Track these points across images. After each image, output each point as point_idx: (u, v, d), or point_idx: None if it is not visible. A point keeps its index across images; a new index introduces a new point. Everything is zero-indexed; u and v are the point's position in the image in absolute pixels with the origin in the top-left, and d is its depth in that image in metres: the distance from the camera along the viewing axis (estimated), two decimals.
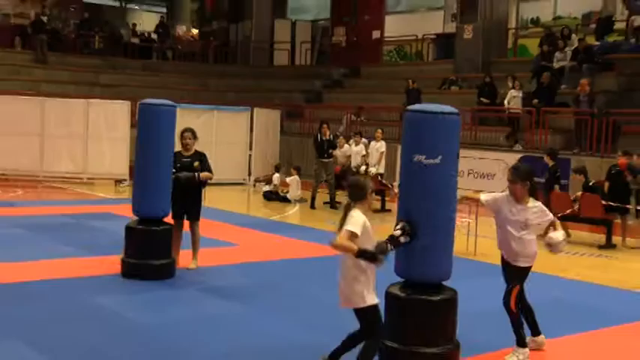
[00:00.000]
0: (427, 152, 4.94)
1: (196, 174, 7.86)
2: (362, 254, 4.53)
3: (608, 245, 10.97)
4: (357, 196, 4.75)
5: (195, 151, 8.06)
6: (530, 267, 5.58)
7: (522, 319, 5.57)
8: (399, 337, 5.03)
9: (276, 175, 15.96)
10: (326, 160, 14.30)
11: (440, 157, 4.94)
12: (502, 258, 5.66)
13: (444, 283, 5.22)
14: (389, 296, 5.13)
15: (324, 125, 14.52)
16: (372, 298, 4.70)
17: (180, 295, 7.04)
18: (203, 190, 8.17)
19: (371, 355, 4.74)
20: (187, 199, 7.92)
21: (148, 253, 7.35)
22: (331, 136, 14.46)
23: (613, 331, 6.54)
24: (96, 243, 9.25)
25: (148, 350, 5.40)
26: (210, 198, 14.40)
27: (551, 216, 5.61)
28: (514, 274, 5.53)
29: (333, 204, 14.18)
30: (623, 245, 11.07)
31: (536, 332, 5.76)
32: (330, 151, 14.32)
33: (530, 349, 5.55)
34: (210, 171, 8.02)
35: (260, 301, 6.97)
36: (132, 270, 7.46)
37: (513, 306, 5.46)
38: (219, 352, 5.43)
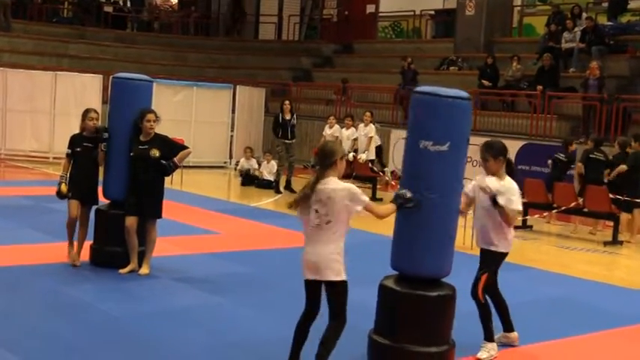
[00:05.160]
0: (435, 138, 4.94)
1: (170, 164, 7.16)
2: (400, 204, 4.89)
3: (614, 241, 11.08)
4: (326, 162, 4.77)
5: (155, 134, 7.23)
6: (504, 254, 5.66)
7: (491, 311, 5.67)
8: (391, 333, 5.07)
9: (242, 160, 15.90)
10: (289, 142, 14.37)
11: (448, 144, 4.95)
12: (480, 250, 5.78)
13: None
14: (383, 289, 5.17)
15: (286, 102, 14.48)
16: (345, 274, 4.77)
17: (155, 285, 7.06)
18: (168, 179, 7.53)
19: (337, 338, 4.76)
20: (146, 190, 7.18)
21: (121, 240, 7.34)
22: (294, 117, 14.40)
23: (615, 333, 6.63)
24: (61, 228, 9.22)
25: (126, 345, 5.43)
26: (189, 182, 14.50)
27: (515, 207, 5.52)
28: (486, 260, 5.65)
29: (287, 185, 14.36)
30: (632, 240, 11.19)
31: (509, 328, 5.85)
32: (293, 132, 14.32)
33: (499, 344, 5.69)
34: (180, 149, 7.35)
35: (240, 292, 7.02)
36: (103, 258, 7.47)
37: (481, 295, 5.58)
38: (197, 346, 5.46)
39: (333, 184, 4.72)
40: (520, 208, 5.64)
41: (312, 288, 4.83)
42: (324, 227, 4.72)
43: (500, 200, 5.43)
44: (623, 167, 11.17)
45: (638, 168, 11.15)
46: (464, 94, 5.08)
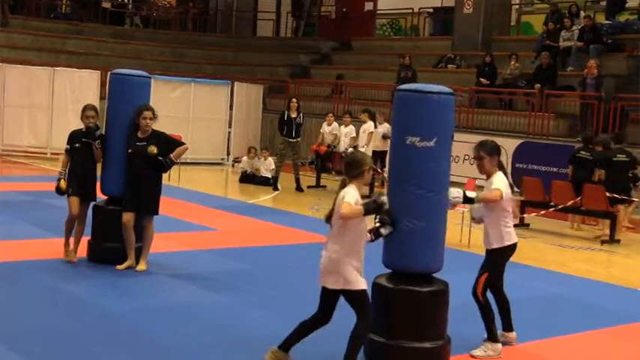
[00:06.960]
0: (422, 134, 5.02)
1: (167, 160, 7.18)
2: (367, 210, 4.68)
3: (612, 240, 11.10)
4: (354, 173, 4.83)
5: (153, 131, 7.24)
6: (500, 250, 5.62)
7: (492, 312, 5.65)
8: (385, 330, 5.09)
9: (244, 159, 15.97)
10: (293, 140, 14.26)
11: (434, 140, 5.02)
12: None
13: (435, 275, 5.28)
14: (376, 287, 5.19)
15: (293, 100, 14.36)
16: (363, 282, 4.81)
17: (153, 281, 7.08)
18: (165, 175, 7.50)
19: (362, 342, 4.82)
20: (144, 186, 7.21)
21: (119, 236, 7.33)
22: (301, 116, 14.27)
23: (612, 331, 6.65)
24: (59, 223, 9.23)
25: (124, 340, 5.44)
26: (187, 178, 14.48)
27: (496, 191, 5.49)
28: (487, 259, 5.66)
29: (298, 186, 14.26)
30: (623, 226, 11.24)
31: (508, 328, 5.84)
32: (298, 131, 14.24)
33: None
34: (177, 145, 7.34)
35: (238, 289, 7.03)
36: (101, 254, 7.47)
37: (480, 294, 5.57)
38: (195, 342, 5.48)
39: (342, 192, 4.76)
40: (499, 186, 5.49)
41: (332, 297, 4.85)
42: (339, 232, 4.76)
43: (471, 194, 5.42)
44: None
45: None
46: (447, 89, 5.21)
